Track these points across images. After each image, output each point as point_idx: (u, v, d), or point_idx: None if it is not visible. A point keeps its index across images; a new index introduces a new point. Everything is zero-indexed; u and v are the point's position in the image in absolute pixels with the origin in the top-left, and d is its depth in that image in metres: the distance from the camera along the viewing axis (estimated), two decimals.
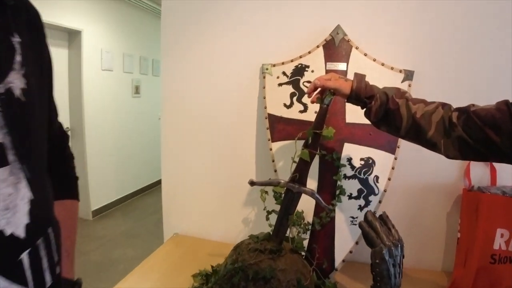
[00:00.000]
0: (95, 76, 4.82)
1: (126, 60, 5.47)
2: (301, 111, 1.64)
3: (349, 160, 1.58)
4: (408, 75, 1.63)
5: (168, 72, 1.97)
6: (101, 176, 5.12)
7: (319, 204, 1.35)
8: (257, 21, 1.80)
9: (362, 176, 1.58)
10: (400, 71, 1.62)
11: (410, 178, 1.76)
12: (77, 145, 4.79)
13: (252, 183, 1.38)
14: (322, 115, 1.25)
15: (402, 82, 1.63)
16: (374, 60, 1.62)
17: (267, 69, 1.73)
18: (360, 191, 1.58)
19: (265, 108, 1.70)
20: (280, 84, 1.69)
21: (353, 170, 1.58)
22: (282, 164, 1.67)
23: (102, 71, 4.96)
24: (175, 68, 1.95)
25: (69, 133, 4.64)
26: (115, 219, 5.20)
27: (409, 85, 1.61)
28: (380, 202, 1.59)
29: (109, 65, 5.05)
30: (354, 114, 1.57)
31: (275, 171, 1.68)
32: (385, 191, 1.59)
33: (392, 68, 1.62)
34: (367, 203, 1.58)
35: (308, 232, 1.60)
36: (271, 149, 1.67)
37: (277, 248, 1.33)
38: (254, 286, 1.22)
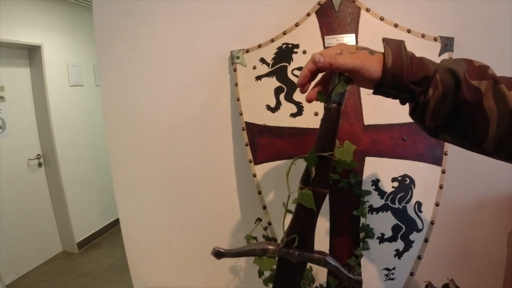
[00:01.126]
0: (63, 94, 4.26)
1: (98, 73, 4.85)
2: (293, 115, 1.09)
3: (375, 183, 1.02)
4: (447, 45, 1.08)
5: (108, 82, 1.41)
6: (82, 204, 4.57)
7: (340, 276, 0.78)
8: None
9: (397, 205, 1.02)
10: (435, 39, 1.07)
11: (461, 196, 1.22)
12: (52, 173, 4.25)
13: (218, 254, 0.80)
14: (330, 123, 0.69)
15: (440, 55, 1.07)
16: (396, 25, 1.07)
17: (237, 57, 1.17)
18: (396, 229, 1.02)
19: (240, 114, 1.14)
20: (258, 78, 1.13)
21: (382, 198, 1.02)
22: (274, 197, 1.11)
23: (71, 87, 4.39)
24: (115, 76, 1.40)
25: (41, 160, 4.15)
26: (103, 249, 4.67)
27: (450, 58, 1.05)
28: (426, 240, 1.04)
29: (78, 80, 4.48)
30: (375, 110, 1.02)
31: (264, 207, 1.11)
32: (432, 223, 1.03)
33: (422, 36, 1.06)
34: (408, 245, 1.03)
35: None
36: (254, 175, 1.11)
37: None
38: None
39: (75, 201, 4.48)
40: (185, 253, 1.48)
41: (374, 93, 0.67)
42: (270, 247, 0.79)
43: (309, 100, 0.72)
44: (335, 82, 0.68)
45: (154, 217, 1.47)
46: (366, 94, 1.04)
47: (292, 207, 0.76)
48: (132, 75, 1.36)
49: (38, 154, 4.15)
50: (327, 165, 0.69)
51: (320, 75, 0.72)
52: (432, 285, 0.72)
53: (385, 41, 0.66)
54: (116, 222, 5.24)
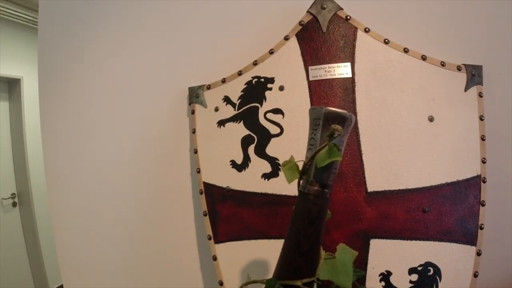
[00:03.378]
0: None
1: None
2: (267, 175, 0.78)
3: (385, 277, 0.70)
4: (475, 75, 0.79)
5: (48, 128, 1.13)
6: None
7: None
8: (172, 14, 0.96)
9: None
10: (459, 68, 0.78)
11: (498, 282, 0.90)
12: (26, 215, 3.95)
13: None
14: (309, 224, 0.38)
15: (466, 89, 0.79)
16: (406, 50, 0.78)
17: (197, 95, 0.88)
18: None
19: (198, 172, 0.84)
20: (221, 123, 0.84)
21: None
22: None
23: None
24: (57, 114, 1.11)
25: (15, 200, 3.85)
26: None
27: (480, 94, 0.77)
28: None
29: None
30: (383, 170, 0.72)
31: None
32: None
33: (442, 64, 0.78)
34: None
35: None
36: (215, 259, 0.80)
37: None
38: None
39: (50, 245, 4.18)
40: None
41: None
42: None
43: None
44: (318, 138, 0.38)
45: None
46: (369, 145, 0.74)
47: None
48: (75, 111, 1.08)
49: (13, 193, 3.88)
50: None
51: None
52: None
53: None
54: None
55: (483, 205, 0.75)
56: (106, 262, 1.11)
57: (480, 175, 0.75)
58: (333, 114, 0.38)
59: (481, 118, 0.78)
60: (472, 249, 0.74)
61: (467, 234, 0.74)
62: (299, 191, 0.40)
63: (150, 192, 1.01)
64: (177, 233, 0.99)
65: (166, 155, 0.99)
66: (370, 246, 0.71)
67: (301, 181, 0.40)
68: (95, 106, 1.05)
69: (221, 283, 0.79)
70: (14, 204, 3.91)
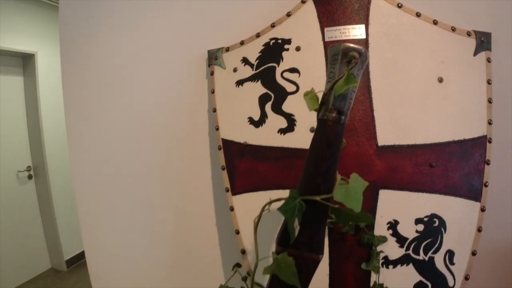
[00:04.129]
0: (56, 104, 4.06)
1: None
2: (283, 130, 0.83)
3: (393, 226, 0.75)
4: (484, 41, 0.82)
5: (70, 93, 1.18)
6: (72, 221, 4.32)
7: None
8: None
9: (421, 256, 0.75)
10: (468, 34, 0.81)
11: (502, 240, 0.94)
12: (41, 187, 4.03)
13: None
14: (326, 146, 0.43)
15: (475, 54, 0.81)
16: (418, 15, 0.81)
17: (215, 58, 0.92)
18: None
19: (217, 129, 0.89)
20: (239, 83, 0.88)
21: (402, 246, 0.75)
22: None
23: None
24: (79, 81, 1.17)
25: (31, 172, 3.93)
26: None
27: (488, 59, 0.80)
28: None
29: None
30: (393, 125, 0.76)
31: (243, 252, 0.85)
32: (467, 278, 0.76)
33: (453, 29, 0.80)
34: None
35: None
36: (232, 209, 0.85)
37: None
38: None
39: (65, 216, 4.26)
40: None
41: None
42: None
43: None
44: (336, 71, 0.42)
45: (122, 255, 1.21)
46: (380, 103, 0.78)
47: (261, 279, 0.49)
48: (97, 80, 1.13)
49: (29, 166, 3.95)
50: (320, 217, 0.43)
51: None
52: None
53: None
54: None
55: (488, 164, 0.79)
56: (126, 222, 1.18)
57: (486, 135, 0.79)
58: (350, 49, 0.42)
59: (489, 82, 0.81)
60: (477, 205, 0.78)
61: (471, 190, 0.78)
62: (318, 119, 0.44)
63: (170, 151, 1.06)
64: (195, 188, 1.04)
65: (186, 115, 1.04)
66: (379, 197, 0.75)
67: (319, 111, 0.44)
68: (116, 71, 1.10)
69: (237, 232, 0.84)
70: (29, 177, 3.97)
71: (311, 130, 0.80)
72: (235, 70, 0.89)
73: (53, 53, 4.18)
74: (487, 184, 0.79)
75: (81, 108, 1.17)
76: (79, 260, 4.61)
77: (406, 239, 0.74)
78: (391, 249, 0.74)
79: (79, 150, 1.20)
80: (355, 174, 0.46)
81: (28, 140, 4.04)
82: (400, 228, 0.74)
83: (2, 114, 3.68)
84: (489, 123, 0.80)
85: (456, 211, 0.77)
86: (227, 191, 0.86)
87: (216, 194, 1.03)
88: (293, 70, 0.82)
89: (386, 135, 0.76)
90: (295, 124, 0.81)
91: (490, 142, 0.79)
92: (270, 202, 0.47)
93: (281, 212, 0.43)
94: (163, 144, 1.07)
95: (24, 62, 4.04)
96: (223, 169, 0.87)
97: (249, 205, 0.83)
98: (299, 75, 0.82)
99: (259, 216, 0.48)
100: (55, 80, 4.16)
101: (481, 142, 0.79)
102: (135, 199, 1.13)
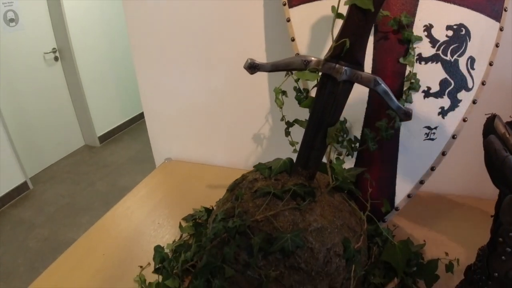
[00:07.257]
0: None
1: None
2: None
3: (428, 28, 0.92)
4: None
5: None
6: (101, 100, 4.59)
7: (389, 103, 0.71)
8: None
9: (448, 57, 0.92)
10: None
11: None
12: (68, 68, 4.15)
13: (252, 67, 0.74)
14: None
15: None
16: None
17: None
18: (444, 84, 0.93)
19: None
20: None
21: (434, 46, 0.92)
22: (309, 44, 1.01)
23: None
24: None
25: (57, 54, 4.03)
26: (123, 144, 4.81)
27: None
28: (474, 102, 0.95)
29: None
30: None
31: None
32: (483, 84, 0.94)
33: None
34: (454, 104, 0.95)
35: (355, 155, 0.98)
36: (288, 20, 1.02)
37: (306, 188, 0.73)
38: (265, 261, 0.64)
39: (94, 96, 4.45)
40: (206, 125, 1.43)
41: None
42: (312, 58, 0.71)
43: None
44: None
45: (175, 85, 1.40)
46: None
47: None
48: None
49: (54, 48, 4.00)
50: None
51: None
52: (500, 118, 0.63)
53: None
54: (136, 119, 5.31)
55: None
56: (180, 59, 1.35)
57: None
58: None
59: None
60: (497, 25, 0.94)
61: (494, 11, 0.93)
62: None
63: None
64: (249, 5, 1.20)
65: None
66: (419, 4, 0.91)
67: None
68: None
69: (292, 39, 1.02)
70: (56, 59, 4.03)
71: None
72: None
73: None
74: (506, 9, 0.94)
75: None
76: (110, 136, 4.95)
77: (438, 41, 0.91)
78: (425, 48, 0.92)
79: (136, 18, 1.34)
80: None
81: (50, 21, 3.95)
82: (433, 31, 0.91)
83: None
84: None
85: (479, 26, 0.93)
86: (284, 5, 1.01)
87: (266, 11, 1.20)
88: None
89: None
90: None
91: None
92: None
93: None
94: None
95: None
96: None
97: (305, 15, 0.99)
98: None
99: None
100: None
101: None
102: (191, 22, 1.29)
